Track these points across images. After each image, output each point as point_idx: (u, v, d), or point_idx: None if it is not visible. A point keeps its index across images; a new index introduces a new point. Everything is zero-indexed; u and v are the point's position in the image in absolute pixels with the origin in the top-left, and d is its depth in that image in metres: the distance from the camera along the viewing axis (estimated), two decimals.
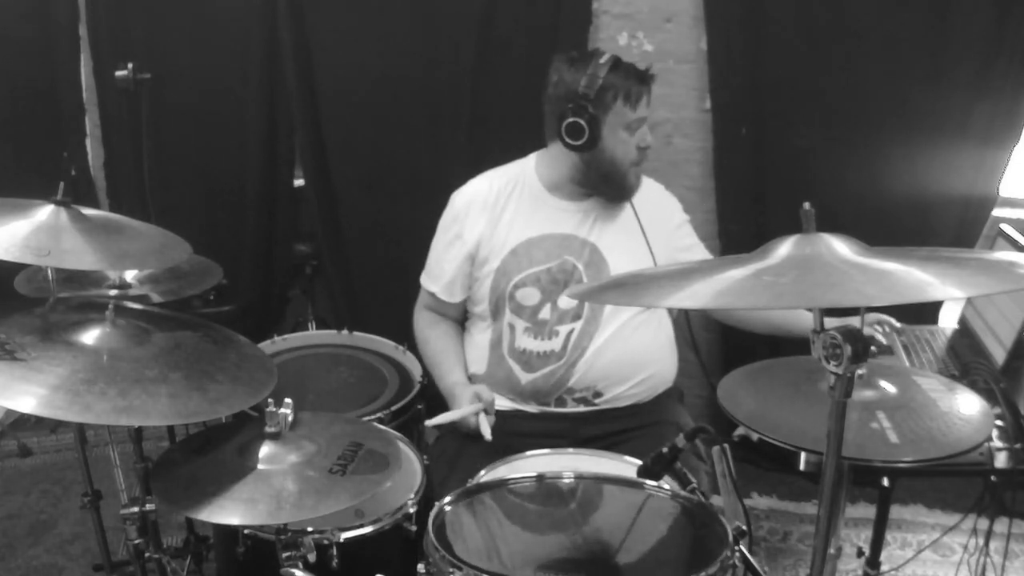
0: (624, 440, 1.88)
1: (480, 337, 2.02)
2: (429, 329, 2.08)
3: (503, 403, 1.96)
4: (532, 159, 2.04)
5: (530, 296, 1.94)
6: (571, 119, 1.84)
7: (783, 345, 2.62)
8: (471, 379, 2.01)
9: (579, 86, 1.84)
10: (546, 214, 1.97)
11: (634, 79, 1.87)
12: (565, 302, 1.92)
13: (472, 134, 2.68)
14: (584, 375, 1.91)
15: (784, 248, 1.11)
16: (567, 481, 1.48)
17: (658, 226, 1.99)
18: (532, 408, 1.96)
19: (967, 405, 1.41)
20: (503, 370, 1.96)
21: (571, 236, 1.96)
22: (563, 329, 1.92)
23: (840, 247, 1.08)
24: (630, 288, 1.27)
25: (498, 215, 1.98)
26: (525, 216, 1.97)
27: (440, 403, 2.11)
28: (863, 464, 1.30)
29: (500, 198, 1.99)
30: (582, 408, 1.94)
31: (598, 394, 1.94)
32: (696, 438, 1.46)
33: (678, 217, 2.09)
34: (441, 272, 2.03)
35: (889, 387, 1.43)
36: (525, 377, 1.94)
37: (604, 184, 1.94)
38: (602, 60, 1.86)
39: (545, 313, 1.93)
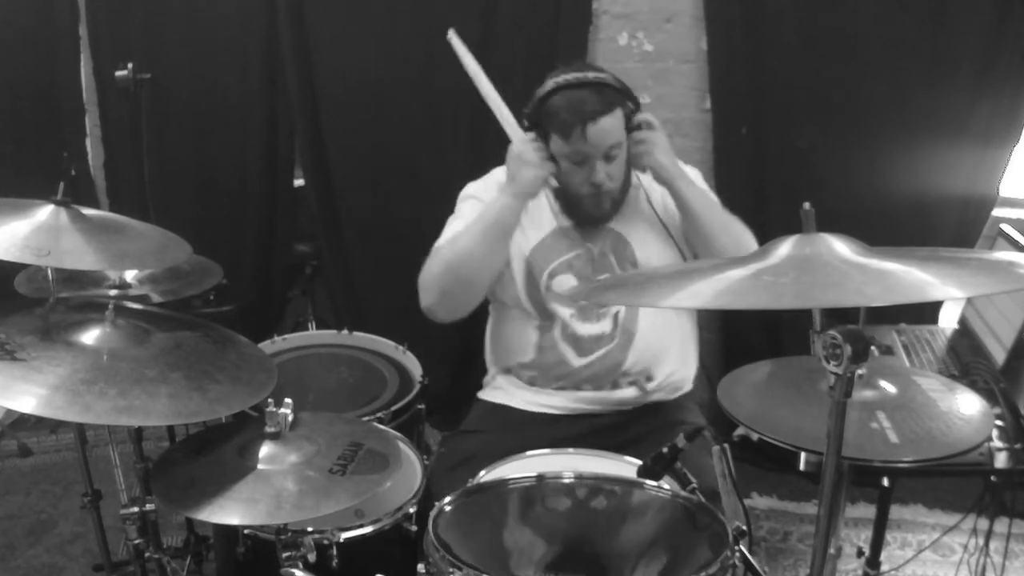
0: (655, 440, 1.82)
1: (521, 326, 1.94)
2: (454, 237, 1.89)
3: (553, 400, 1.92)
4: None
5: (566, 283, 1.88)
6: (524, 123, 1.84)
7: (783, 345, 2.63)
8: (516, 368, 1.95)
9: (529, 104, 1.80)
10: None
11: (566, 111, 1.73)
12: None
13: (472, 134, 2.68)
14: (639, 356, 1.87)
15: (784, 248, 1.11)
16: (567, 481, 1.48)
17: (673, 214, 1.92)
18: (586, 393, 1.91)
19: (967, 405, 1.41)
20: (555, 356, 1.89)
21: (589, 227, 1.91)
22: (609, 310, 1.87)
23: (840, 247, 1.08)
24: (630, 288, 1.27)
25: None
26: (548, 208, 1.93)
27: (440, 402, 2.12)
28: (863, 464, 1.30)
29: None
30: (633, 393, 1.90)
31: (649, 377, 1.90)
32: (696, 438, 1.46)
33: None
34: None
35: (889, 387, 1.43)
36: (579, 361, 1.88)
37: (562, 201, 1.89)
38: (549, 84, 1.77)
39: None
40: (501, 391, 1.98)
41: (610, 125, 1.75)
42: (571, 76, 1.76)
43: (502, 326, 2.02)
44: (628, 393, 1.91)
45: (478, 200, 1.93)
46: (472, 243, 1.81)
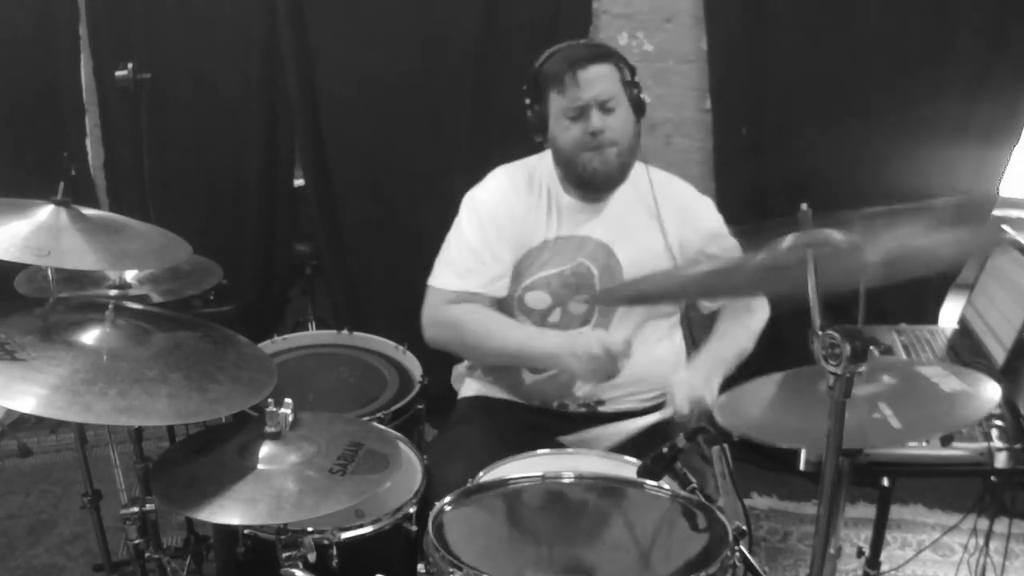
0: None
1: None
2: (475, 312, 1.87)
3: (502, 395, 1.96)
4: (548, 155, 1.94)
5: (540, 300, 1.89)
6: (528, 113, 1.87)
7: (784, 346, 2.63)
8: (477, 370, 2.01)
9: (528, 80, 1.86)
10: (565, 215, 1.90)
11: (558, 63, 1.80)
12: (575, 307, 1.88)
13: (472, 134, 2.69)
14: (591, 385, 1.86)
15: (786, 243, 1.12)
16: (567, 481, 1.48)
17: (683, 231, 1.92)
18: (535, 406, 1.94)
19: (970, 381, 1.35)
20: (510, 367, 1.93)
21: (587, 239, 1.89)
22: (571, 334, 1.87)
23: (837, 236, 1.09)
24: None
25: (519, 213, 1.89)
26: (544, 216, 1.90)
27: (439, 403, 2.11)
28: (865, 461, 1.30)
29: (521, 196, 1.91)
30: (582, 411, 1.92)
31: (600, 402, 1.91)
32: (696, 438, 1.46)
33: (709, 225, 1.96)
34: (482, 268, 1.87)
35: (891, 380, 1.41)
36: (530, 378, 1.91)
37: (569, 176, 1.87)
38: (545, 53, 1.85)
39: (554, 317, 1.89)
40: (475, 384, 2.02)
41: (601, 72, 1.80)
42: (564, 44, 1.85)
43: None
44: (576, 411, 1.91)
45: (497, 233, 1.88)
46: (488, 354, 1.90)
